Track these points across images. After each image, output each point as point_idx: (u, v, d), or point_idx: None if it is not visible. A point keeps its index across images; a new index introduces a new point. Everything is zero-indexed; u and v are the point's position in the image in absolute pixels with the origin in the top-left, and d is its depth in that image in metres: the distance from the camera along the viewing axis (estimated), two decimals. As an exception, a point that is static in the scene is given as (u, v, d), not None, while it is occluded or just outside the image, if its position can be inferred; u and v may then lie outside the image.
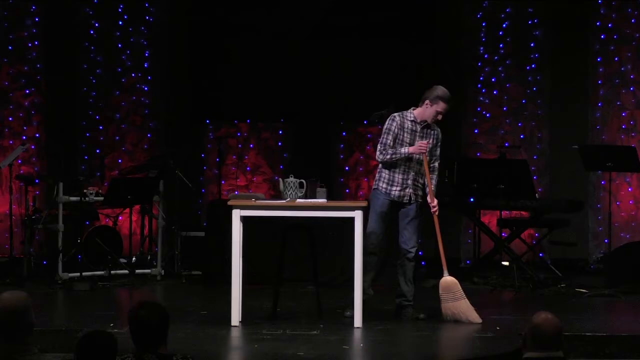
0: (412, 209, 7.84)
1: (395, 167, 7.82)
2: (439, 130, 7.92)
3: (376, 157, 7.89)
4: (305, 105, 11.70)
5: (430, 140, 7.82)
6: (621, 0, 11.65)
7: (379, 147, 7.86)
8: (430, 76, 11.21)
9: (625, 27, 11.63)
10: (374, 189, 7.95)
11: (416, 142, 7.78)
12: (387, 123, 7.87)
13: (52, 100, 11.69)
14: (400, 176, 7.81)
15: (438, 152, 7.90)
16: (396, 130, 7.82)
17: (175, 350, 4.47)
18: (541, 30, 11.81)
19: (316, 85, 11.62)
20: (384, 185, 7.85)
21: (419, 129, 7.82)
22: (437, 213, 7.81)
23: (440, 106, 7.77)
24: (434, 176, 7.87)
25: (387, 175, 7.85)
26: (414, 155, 7.77)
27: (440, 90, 7.82)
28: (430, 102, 7.79)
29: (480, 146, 11.77)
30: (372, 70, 11.72)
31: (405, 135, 7.80)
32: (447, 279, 7.77)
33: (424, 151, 7.74)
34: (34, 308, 4.31)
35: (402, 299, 7.87)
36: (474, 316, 7.68)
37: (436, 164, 7.90)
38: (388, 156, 7.80)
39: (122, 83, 11.82)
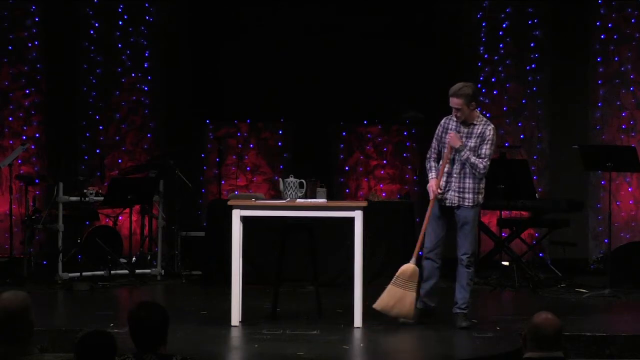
0: (461, 214, 7.62)
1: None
2: (486, 128, 7.62)
3: None
4: (305, 105, 11.70)
5: (469, 139, 7.60)
6: (621, 0, 11.64)
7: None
8: (430, 76, 11.25)
9: (625, 27, 11.61)
10: None
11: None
12: None
13: (52, 100, 11.69)
14: (443, 180, 7.66)
15: (483, 150, 7.59)
16: (439, 133, 7.75)
17: (175, 350, 4.47)
18: (541, 30, 11.81)
19: (316, 85, 11.62)
20: None
21: (462, 129, 7.66)
22: (432, 198, 7.68)
23: (450, 102, 7.61)
24: (475, 170, 7.56)
25: None
26: (456, 158, 7.62)
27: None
28: None
29: (480, 146, 11.75)
30: (372, 71, 11.72)
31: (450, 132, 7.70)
32: (410, 266, 7.65)
33: (451, 143, 7.57)
34: (34, 308, 4.30)
35: (455, 305, 7.68)
36: (405, 312, 7.54)
37: (478, 161, 7.57)
38: (427, 165, 7.81)
39: (122, 83, 11.81)
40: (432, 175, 7.76)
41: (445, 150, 7.67)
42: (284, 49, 11.76)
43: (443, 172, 7.67)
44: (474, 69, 11.83)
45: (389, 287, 7.64)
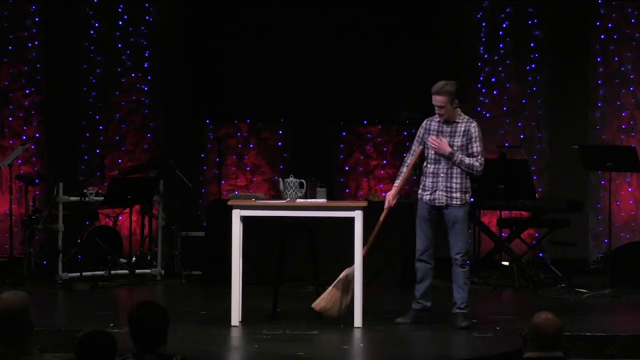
0: (451, 214, 7.60)
1: (425, 172, 7.73)
2: (469, 125, 7.61)
3: None
4: (305, 105, 11.71)
5: (453, 138, 7.60)
6: (621, 0, 11.64)
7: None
8: (430, 76, 11.24)
9: (625, 27, 11.62)
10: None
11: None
12: None
13: (52, 100, 11.69)
14: (430, 180, 7.66)
15: (474, 149, 7.59)
16: (421, 134, 7.75)
17: (175, 350, 4.47)
18: (541, 30, 11.81)
19: (316, 85, 11.62)
20: (420, 191, 7.74)
21: (445, 128, 7.65)
22: (386, 207, 7.76)
23: (433, 100, 7.62)
24: (472, 170, 7.57)
25: (422, 181, 7.75)
26: (442, 158, 7.60)
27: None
28: None
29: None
30: (372, 70, 11.72)
31: (431, 136, 7.67)
32: (352, 269, 7.69)
33: (434, 147, 7.62)
34: (34, 308, 4.30)
35: (454, 306, 7.66)
36: (339, 313, 7.63)
37: (473, 160, 7.58)
38: (401, 168, 7.84)
39: (122, 83, 11.81)
40: (396, 182, 7.84)
41: (430, 152, 7.67)
42: (284, 49, 11.75)
43: (407, 178, 7.79)
44: (474, 69, 11.84)
45: (331, 288, 7.71)
